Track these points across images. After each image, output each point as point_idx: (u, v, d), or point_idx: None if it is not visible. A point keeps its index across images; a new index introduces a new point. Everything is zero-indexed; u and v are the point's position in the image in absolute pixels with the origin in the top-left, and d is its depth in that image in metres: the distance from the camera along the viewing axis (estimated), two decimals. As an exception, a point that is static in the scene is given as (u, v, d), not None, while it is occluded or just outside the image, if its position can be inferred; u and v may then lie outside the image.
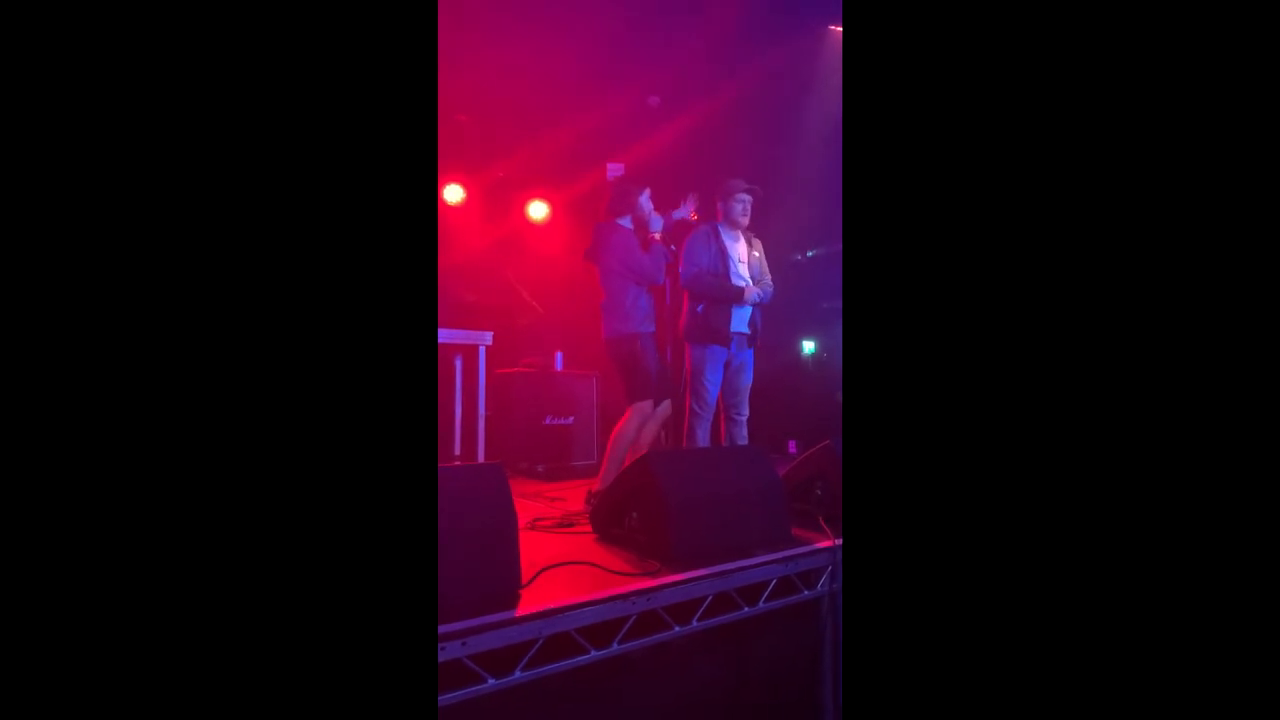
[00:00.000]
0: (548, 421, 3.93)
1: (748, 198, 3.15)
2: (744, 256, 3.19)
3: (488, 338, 3.60)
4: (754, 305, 3.16)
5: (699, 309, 3.12)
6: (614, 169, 4.83)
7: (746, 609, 1.80)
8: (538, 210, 4.89)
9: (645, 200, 2.90)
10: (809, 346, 5.16)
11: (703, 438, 3.15)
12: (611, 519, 2.14)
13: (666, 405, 2.87)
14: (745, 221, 3.18)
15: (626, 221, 2.88)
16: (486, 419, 3.63)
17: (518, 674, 1.38)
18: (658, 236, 2.91)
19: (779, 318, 3.89)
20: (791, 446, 4.78)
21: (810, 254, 4.94)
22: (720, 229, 3.18)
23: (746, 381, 3.22)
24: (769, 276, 3.26)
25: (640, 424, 2.81)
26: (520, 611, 1.42)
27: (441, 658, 1.27)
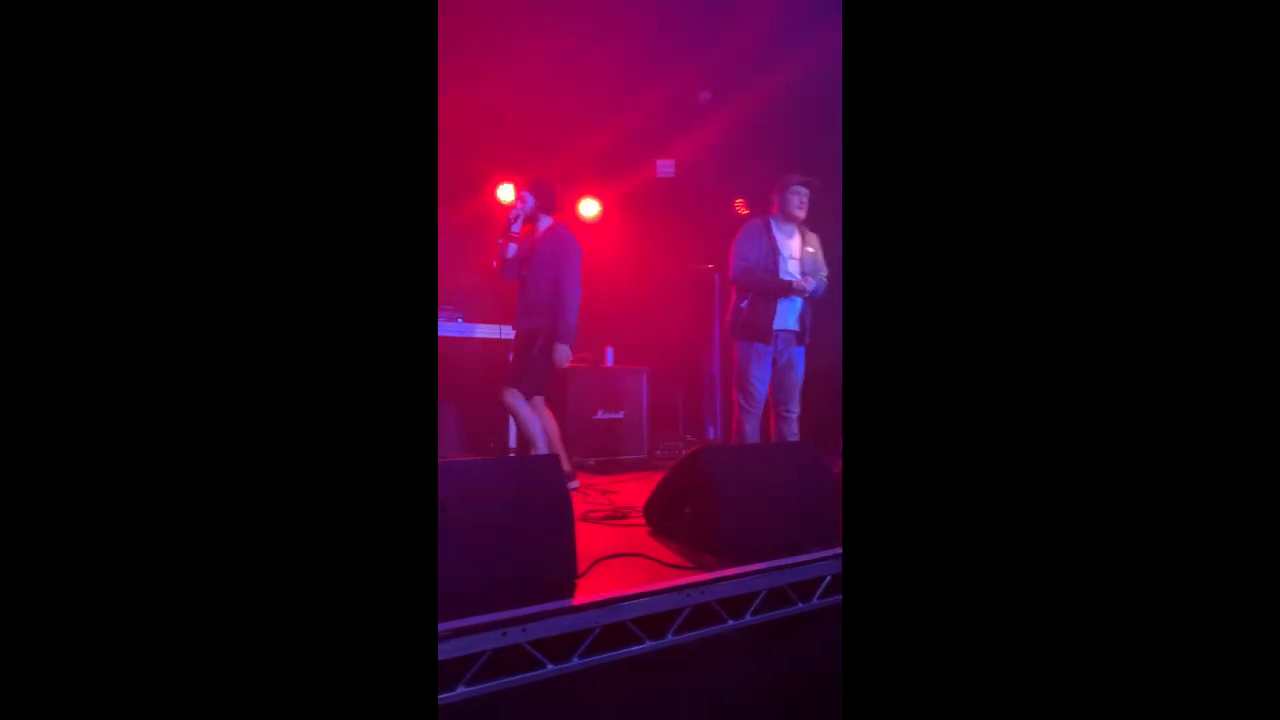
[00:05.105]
0: (599, 416, 3.98)
1: (804, 190, 3.11)
2: (796, 252, 3.16)
3: (540, 333, 3.65)
4: (804, 298, 3.13)
5: (743, 304, 3.12)
6: (664, 165, 4.84)
7: (801, 604, 1.80)
8: (589, 208, 4.94)
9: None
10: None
11: (751, 433, 3.14)
12: (665, 513, 2.17)
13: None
14: (802, 215, 3.14)
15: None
16: (539, 413, 3.69)
17: (575, 661, 1.42)
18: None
19: (833, 316, 3.84)
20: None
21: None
22: (773, 223, 3.16)
23: (797, 378, 3.20)
24: (824, 270, 3.22)
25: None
26: (577, 600, 1.46)
27: (503, 643, 1.32)
